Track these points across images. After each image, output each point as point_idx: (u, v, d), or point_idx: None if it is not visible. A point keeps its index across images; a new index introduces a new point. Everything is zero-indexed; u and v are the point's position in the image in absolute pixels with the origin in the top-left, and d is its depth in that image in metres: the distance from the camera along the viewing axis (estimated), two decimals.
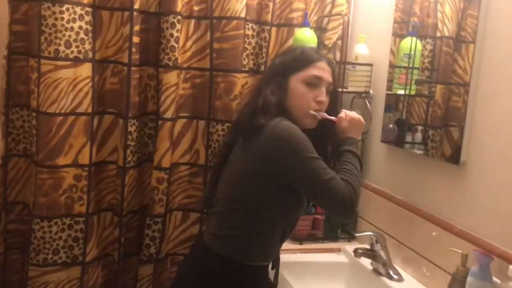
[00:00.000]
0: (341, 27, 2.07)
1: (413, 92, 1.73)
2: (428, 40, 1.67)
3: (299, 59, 1.40)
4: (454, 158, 1.49)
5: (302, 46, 1.43)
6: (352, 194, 1.27)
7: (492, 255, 1.27)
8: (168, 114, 1.84)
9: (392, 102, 1.86)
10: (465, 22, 1.47)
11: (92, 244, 1.86)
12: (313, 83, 1.39)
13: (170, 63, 1.81)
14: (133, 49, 1.76)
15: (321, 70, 1.40)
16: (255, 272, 1.40)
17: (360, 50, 1.96)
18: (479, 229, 1.41)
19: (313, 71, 1.39)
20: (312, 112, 1.40)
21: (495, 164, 1.37)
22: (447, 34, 1.57)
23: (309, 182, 1.29)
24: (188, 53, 1.90)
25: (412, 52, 1.70)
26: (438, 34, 1.61)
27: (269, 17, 1.97)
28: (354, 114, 1.44)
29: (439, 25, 1.60)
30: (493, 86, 1.38)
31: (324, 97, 1.41)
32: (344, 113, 1.45)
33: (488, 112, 1.40)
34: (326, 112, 1.43)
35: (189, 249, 1.64)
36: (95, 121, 1.82)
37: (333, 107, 1.47)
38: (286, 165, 1.30)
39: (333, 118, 1.44)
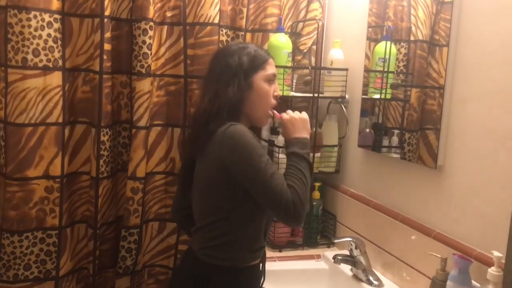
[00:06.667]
0: (315, 32, 2.06)
1: (388, 96, 1.73)
2: (402, 44, 1.67)
3: (257, 58, 1.41)
4: (431, 161, 1.49)
5: (245, 44, 1.44)
6: (295, 199, 1.25)
7: (471, 259, 1.27)
8: (142, 123, 1.80)
9: (368, 107, 1.85)
10: (438, 26, 1.48)
11: (66, 258, 1.81)
12: (271, 80, 1.43)
13: (143, 71, 1.78)
14: (105, 57, 1.72)
15: (274, 66, 1.45)
16: (249, 273, 1.41)
17: (335, 55, 1.95)
18: (457, 233, 1.41)
19: (271, 69, 1.43)
20: (270, 112, 1.44)
21: (472, 167, 1.37)
22: (421, 37, 1.57)
23: (255, 183, 1.28)
24: (162, 60, 1.86)
25: (387, 56, 1.70)
26: (412, 38, 1.62)
27: (243, 22, 1.96)
28: (294, 114, 1.43)
29: (413, 29, 1.61)
30: (468, 89, 1.39)
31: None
32: (287, 114, 1.44)
33: (463, 116, 1.40)
34: None
35: (180, 261, 1.63)
36: (67, 131, 1.77)
37: None
38: (237, 167, 1.30)
39: (280, 115, 1.45)
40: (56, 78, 1.71)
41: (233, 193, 1.34)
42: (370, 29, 1.83)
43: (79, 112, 1.80)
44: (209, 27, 1.84)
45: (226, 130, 1.31)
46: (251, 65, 1.39)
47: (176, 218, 1.69)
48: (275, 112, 1.46)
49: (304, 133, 1.40)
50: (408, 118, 1.63)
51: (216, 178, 1.35)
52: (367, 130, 1.84)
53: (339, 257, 1.66)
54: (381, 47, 1.73)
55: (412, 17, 1.61)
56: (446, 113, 1.45)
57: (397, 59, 1.69)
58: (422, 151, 1.54)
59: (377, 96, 1.78)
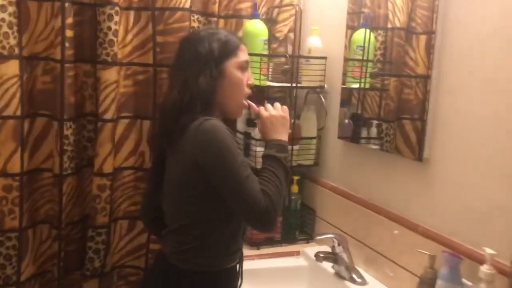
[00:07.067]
0: (292, 18, 1.98)
1: (368, 86, 1.66)
2: (380, 31, 1.61)
3: (228, 44, 1.32)
4: (417, 154, 1.44)
5: (215, 30, 1.36)
6: (269, 206, 1.18)
7: (461, 256, 1.22)
8: (109, 115, 1.69)
9: (348, 97, 1.79)
10: (415, 13, 1.42)
11: (28, 261, 1.69)
12: (244, 67, 1.35)
13: (109, 59, 1.66)
14: (67, 44, 1.60)
15: (246, 53, 1.37)
16: (225, 276, 1.34)
17: (313, 43, 1.87)
18: (444, 228, 1.36)
19: (243, 55, 1.34)
20: (245, 102, 1.36)
21: (460, 160, 1.32)
22: (398, 25, 1.51)
23: (228, 185, 1.20)
24: (129, 48, 1.75)
25: (366, 44, 1.63)
26: (389, 25, 1.55)
27: (216, 8, 1.86)
28: (275, 111, 1.34)
29: (390, 16, 1.54)
30: (456, 80, 1.33)
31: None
32: (265, 109, 1.35)
33: (451, 106, 1.34)
34: None
35: (151, 267, 1.54)
36: (26, 125, 1.64)
37: None
38: (210, 167, 1.21)
39: (258, 108, 1.37)
40: (12, 67, 1.58)
41: (207, 193, 1.24)
42: (348, 16, 1.75)
43: (39, 104, 1.67)
44: (179, 13, 1.73)
45: (200, 126, 1.21)
46: (222, 52, 1.30)
47: (145, 220, 1.58)
48: (252, 104, 1.38)
49: (283, 135, 1.32)
50: (389, 109, 1.57)
51: (189, 177, 1.25)
52: (347, 121, 1.78)
53: (322, 255, 1.60)
54: (360, 35, 1.67)
55: (389, 4, 1.54)
56: (433, 105, 1.39)
57: (375, 47, 1.62)
58: (407, 144, 1.48)
59: (356, 85, 1.72)
